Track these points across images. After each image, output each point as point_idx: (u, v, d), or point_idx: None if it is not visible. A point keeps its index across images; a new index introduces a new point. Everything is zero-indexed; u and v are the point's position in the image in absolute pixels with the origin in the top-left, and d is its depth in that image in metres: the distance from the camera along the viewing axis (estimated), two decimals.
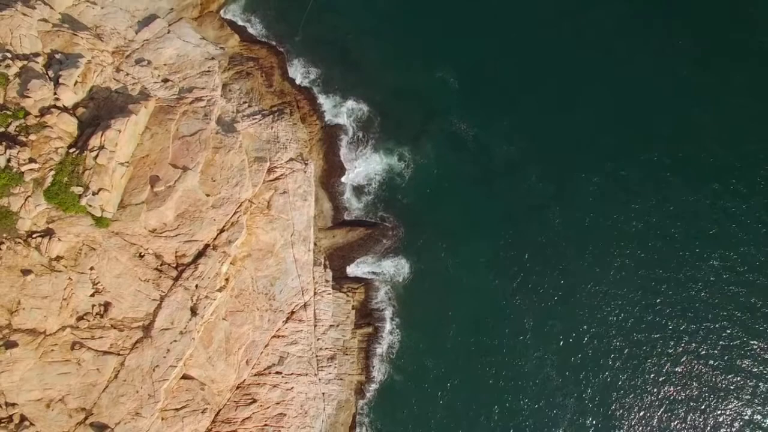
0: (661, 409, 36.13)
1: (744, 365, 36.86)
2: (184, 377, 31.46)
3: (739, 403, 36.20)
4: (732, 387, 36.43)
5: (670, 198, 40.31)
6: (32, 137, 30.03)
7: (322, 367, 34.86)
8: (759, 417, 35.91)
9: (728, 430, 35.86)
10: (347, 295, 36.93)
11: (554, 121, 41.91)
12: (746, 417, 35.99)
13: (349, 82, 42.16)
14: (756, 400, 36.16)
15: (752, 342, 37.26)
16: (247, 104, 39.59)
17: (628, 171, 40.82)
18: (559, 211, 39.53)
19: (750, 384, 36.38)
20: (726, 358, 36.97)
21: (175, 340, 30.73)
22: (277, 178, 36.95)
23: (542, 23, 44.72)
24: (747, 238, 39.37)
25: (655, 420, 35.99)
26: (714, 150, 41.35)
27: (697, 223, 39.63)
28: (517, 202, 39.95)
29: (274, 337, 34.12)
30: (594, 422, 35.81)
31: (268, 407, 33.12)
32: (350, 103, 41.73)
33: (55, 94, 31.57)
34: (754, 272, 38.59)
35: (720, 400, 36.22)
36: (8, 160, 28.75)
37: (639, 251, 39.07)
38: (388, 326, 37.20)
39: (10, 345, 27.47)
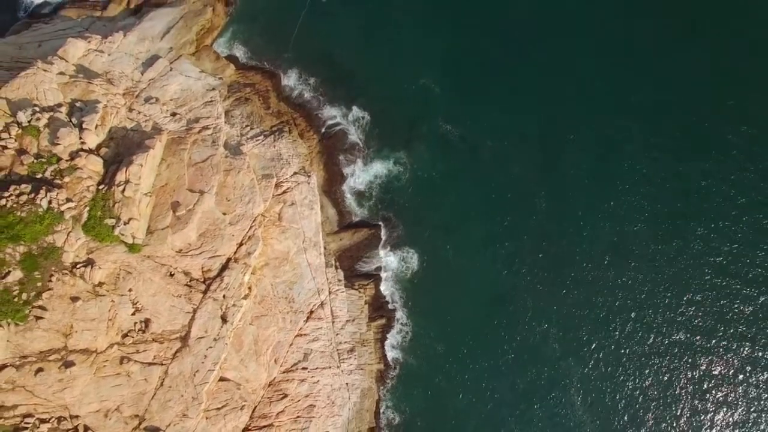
0: (658, 377, 37.67)
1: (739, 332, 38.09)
2: (221, 379, 33.01)
3: (744, 379, 37.56)
4: (733, 365, 37.75)
5: (657, 176, 41.74)
6: (66, 179, 31.59)
7: (343, 359, 36.54)
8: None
9: (735, 396, 37.19)
10: (359, 292, 38.57)
11: (532, 114, 43.61)
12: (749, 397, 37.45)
13: (339, 96, 43.22)
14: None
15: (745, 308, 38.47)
16: (249, 127, 40.87)
17: (608, 157, 42.56)
18: (545, 196, 41.25)
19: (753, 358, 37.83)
20: (727, 326, 38.13)
21: (210, 347, 32.40)
22: (284, 192, 38.61)
23: (513, 24, 46.13)
24: (744, 219, 40.52)
25: (654, 387, 37.48)
26: (700, 136, 42.80)
27: (687, 201, 41.28)
28: (506, 192, 41.52)
29: (297, 336, 35.82)
30: (597, 387, 37.53)
31: (298, 400, 34.82)
32: (344, 115, 42.89)
33: (80, 138, 33.09)
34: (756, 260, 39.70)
35: (723, 373, 37.53)
36: (49, 202, 30.35)
37: (623, 231, 40.55)
38: (399, 316, 38.68)
39: (69, 364, 29.39)
